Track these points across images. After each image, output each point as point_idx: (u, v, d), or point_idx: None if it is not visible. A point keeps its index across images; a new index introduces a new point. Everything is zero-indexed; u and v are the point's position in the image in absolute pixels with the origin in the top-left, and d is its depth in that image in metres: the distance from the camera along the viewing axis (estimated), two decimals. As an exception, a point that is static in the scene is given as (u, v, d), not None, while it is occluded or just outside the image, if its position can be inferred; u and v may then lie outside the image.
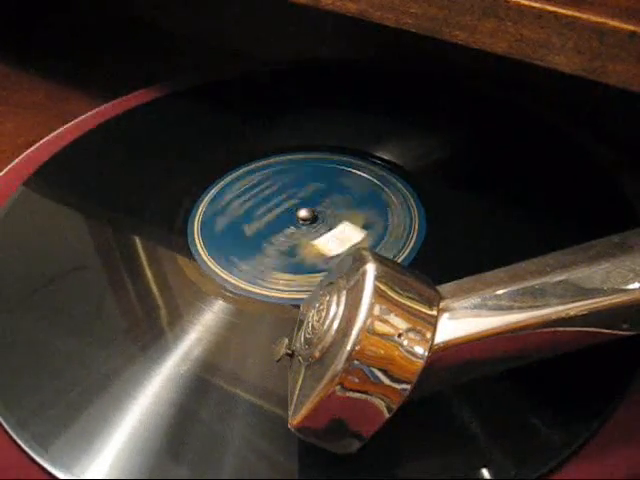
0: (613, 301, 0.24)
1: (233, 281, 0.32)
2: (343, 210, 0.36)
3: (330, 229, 0.35)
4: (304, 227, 0.35)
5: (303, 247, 0.34)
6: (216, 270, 0.33)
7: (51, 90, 0.52)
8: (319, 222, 0.35)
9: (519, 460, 0.25)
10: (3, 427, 0.27)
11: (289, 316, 0.30)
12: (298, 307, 0.28)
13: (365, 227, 0.35)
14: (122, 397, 0.28)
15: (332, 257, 0.33)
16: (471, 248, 0.34)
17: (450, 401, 0.27)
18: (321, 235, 0.35)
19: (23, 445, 0.27)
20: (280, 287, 0.32)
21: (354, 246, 0.34)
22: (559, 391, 0.27)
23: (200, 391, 0.28)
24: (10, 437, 0.27)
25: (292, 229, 0.35)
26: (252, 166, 0.39)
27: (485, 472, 0.25)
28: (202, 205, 0.37)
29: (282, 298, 0.32)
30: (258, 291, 0.32)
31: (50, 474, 0.26)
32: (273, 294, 0.32)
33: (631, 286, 0.24)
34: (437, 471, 0.25)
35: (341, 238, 0.34)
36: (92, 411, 0.27)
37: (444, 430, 0.26)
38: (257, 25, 0.55)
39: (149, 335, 0.30)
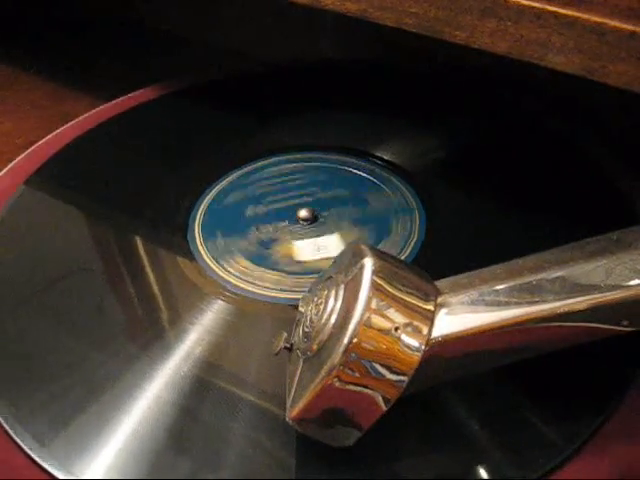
0: (610, 297, 0.24)
1: (233, 281, 0.32)
2: (342, 212, 0.36)
3: (319, 235, 0.35)
4: (300, 226, 0.35)
5: (280, 243, 0.34)
6: (216, 270, 0.33)
7: (51, 90, 0.52)
8: (318, 223, 0.35)
9: (519, 460, 0.25)
10: (3, 427, 0.27)
11: (289, 316, 0.30)
12: (297, 307, 0.28)
13: (364, 228, 0.35)
14: (122, 397, 0.28)
15: (299, 261, 0.33)
16: (471, 248, 0.34)
17: (450, 400, 0.27)
18: (306, 238, 0.35)
19: (23, 445, 0.27)
20: (235, 272, 0.33)
21: (324, 259, 0.33)
22: (559, 390, 0.27)
23: (200, 391, 0.28)
24: (10, 437, 0.27)
25: (285, 223, 0.35)
26: (252, 166, 0.39)
27: (485, 472, 0.25)
28: (203, 205, 0.37)
29: (282, 298, 0.32)
30: (258, 291, 0.32)
31: (50, 474, 0.26)
32: (273, 294, 0.32)
33: (629, 283, 0.24)
34: (436, 471, 0.25)
35: (319, 247, 0.34)
36: (92, 411, 0.27)
37: (443, 430, 0.26)
38: (257, 25, 0.55)
39: (149, 335, 0.30)
